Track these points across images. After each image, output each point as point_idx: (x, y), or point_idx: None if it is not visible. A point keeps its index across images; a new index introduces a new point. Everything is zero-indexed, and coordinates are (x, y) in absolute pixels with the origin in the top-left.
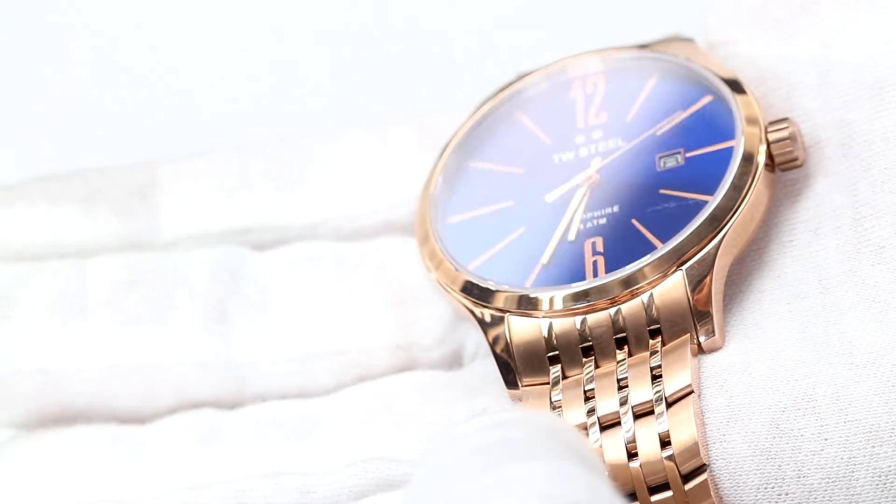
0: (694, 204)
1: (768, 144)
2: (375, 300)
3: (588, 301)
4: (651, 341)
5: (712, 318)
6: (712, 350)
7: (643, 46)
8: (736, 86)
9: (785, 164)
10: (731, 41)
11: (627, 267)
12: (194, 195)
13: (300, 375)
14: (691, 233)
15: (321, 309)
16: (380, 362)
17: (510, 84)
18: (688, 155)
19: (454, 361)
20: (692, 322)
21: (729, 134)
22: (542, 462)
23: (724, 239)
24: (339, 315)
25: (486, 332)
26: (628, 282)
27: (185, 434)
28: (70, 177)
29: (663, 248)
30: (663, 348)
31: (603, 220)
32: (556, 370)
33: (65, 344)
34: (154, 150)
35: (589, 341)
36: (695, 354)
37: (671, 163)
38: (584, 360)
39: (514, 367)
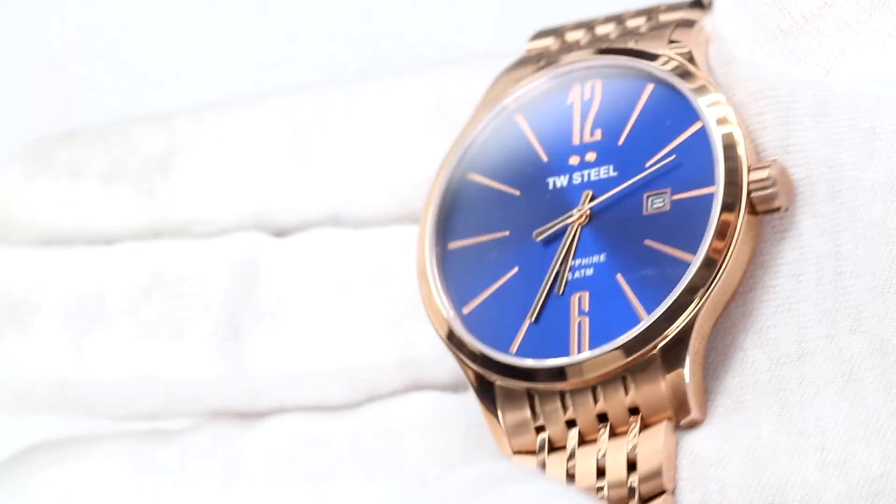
0: (676, 266)
1: (749, 193)
2: (382, 314)
3: (569, 379)
4: (631, 417)
5: (688, 400)
6: (693, 425)
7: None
8: (722, 120)
9: (767, 211)
10: (733, 40)
11: (607, 345)
12: (212, 168)
13: (312, 390)
14: (671, 305)
15: (330, 324)
16: (387, 379)
17: (519, 61)
18: (673, 198)
19: (460, 378)
20: (670, 404)
21: (709, 179)
22: (539, 483)
23: (704, 308)
24: (347, 330)
25: (477, 392)
26: (607, 361)
27: (205, 469)
28: (93, 140)
29: (645, 323)
30: (641, 433)
31: (590, 271)
32: (542, 437)
33: (82, 353)
34: None
35: (573, 415)
36: (674, 429)
37: (658, 203)
38: (569, 430)
39: (502, 431)
